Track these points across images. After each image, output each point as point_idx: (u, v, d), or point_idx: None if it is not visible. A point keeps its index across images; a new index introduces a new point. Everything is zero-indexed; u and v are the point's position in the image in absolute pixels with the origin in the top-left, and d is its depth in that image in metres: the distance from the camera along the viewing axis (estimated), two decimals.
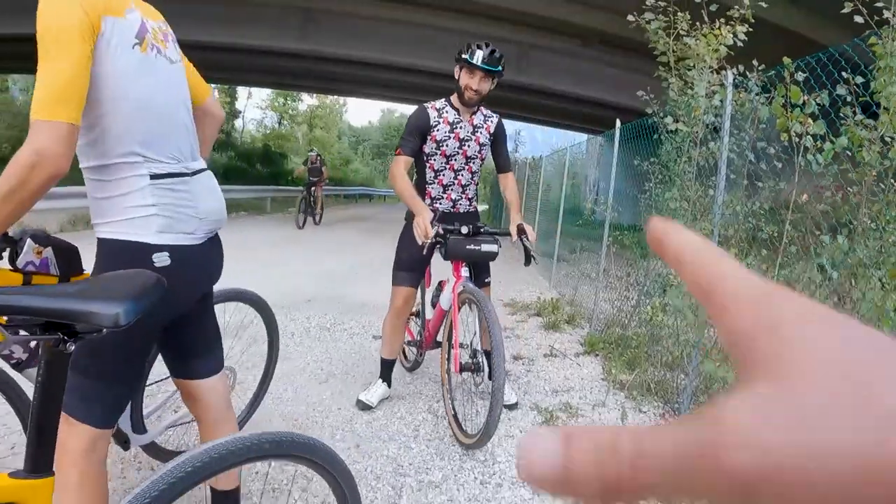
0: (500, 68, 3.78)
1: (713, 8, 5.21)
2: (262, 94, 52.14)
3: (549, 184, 12.10)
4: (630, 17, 5.76)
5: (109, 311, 1.19)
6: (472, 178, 4.07)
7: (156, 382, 2.89)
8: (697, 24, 5.35)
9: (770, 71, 3.94)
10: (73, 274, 2.11)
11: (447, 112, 3.93)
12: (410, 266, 4.01)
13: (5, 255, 1.96)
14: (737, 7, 5.11)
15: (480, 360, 3.57)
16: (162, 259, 1.93)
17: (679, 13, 5.53)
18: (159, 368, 2.53)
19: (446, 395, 3.76)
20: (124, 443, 2.48)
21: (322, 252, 11.18)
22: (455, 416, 3.66)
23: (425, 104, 3.97)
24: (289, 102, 51.10)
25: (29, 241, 2.01)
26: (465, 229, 3.69)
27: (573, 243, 10.16)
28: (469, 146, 3.97)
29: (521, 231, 3.83)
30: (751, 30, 5.11)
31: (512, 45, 17.58)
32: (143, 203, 1.89)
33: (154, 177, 1.91)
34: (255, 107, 53.82)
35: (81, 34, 1.69)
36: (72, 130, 1.64)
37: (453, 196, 4.05)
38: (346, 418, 3.79)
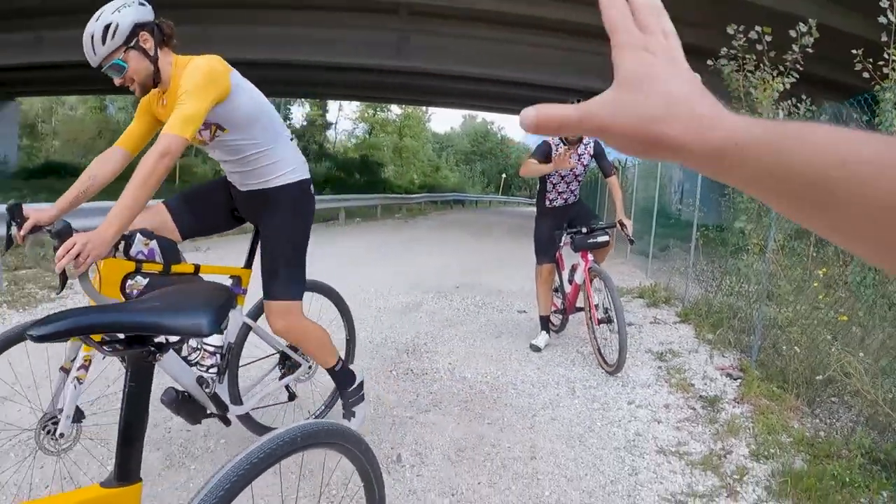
0: None
1: (772, 53, 6.85)
2: (352, 107, 54.18)
3: (634, 186, 13.43)
4: (709, 62, 7.43)
5: (196, 321, 1.30)
6: (577, 182, 5.83)
7: (251, 363, 3.52)
8: (762, 63, 6.97)
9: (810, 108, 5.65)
10: (174, 262, 2.73)
11: (559, 146, 5.59)
12: (546, 249, 5.78)
13: (121, 247, 2.54)
14: (793, 49, 6.73)
15: (611, 314, 5.24)
16: (310, 186, 3.13)
17: (747, 56, 7.16)
18: (252, 351, 3.45)
19: (592, 339, 5.58)
20: (224, 417, 2.94)
21: (445, 250, 13.11)
22: (599, 351, 5.43)
23: (547, 141, 5.66)
24: (378, 113, 53.11)
25: (138, 235, 2.59)
26: (584, 229, 5.51)
27: (663, 241, 11.76)
28: (577, 169, 5.71)
29: (622, 224, 5.42)
30: (797, 74, 6.70)
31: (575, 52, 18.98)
32: (298, 156, 3.08)
33: (292, 139, 3.09)
34: (345, 118, 55.71)
35: (218, 88, 2.61)
36: (186, 144, 2.47)
37: (564, 196, 5.84)
38: (524, 356, 5.64)
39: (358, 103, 51.12)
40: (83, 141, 39.71)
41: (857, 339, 4.53)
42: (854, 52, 5.40)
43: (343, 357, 3.42)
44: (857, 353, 4.05)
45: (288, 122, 51.67)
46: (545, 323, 6.02)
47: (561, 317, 6.20)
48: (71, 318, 1.20)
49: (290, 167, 2.99)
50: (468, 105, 38.13)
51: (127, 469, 1.30)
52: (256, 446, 1.40)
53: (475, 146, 65.43)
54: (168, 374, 2.60)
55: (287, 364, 3.48)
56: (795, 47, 6.60)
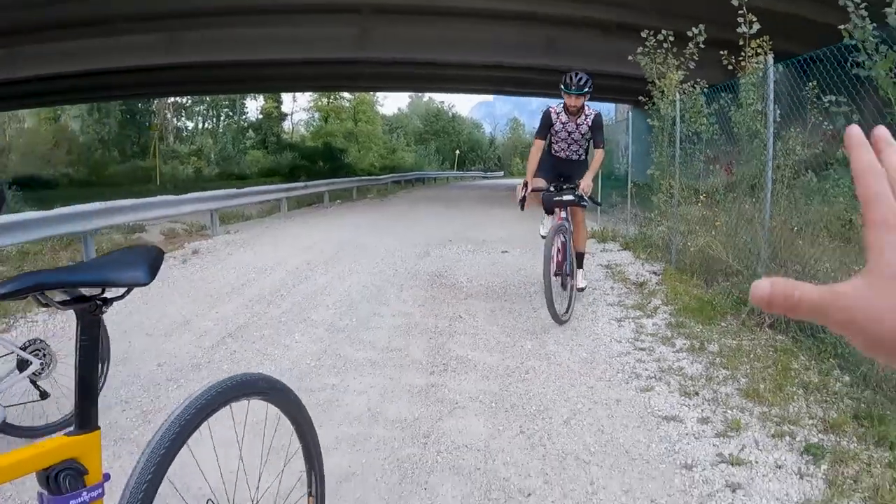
0: (585, 90, 5.91)
1: (674, 49, 9.40)
2: (306, 97, 55.92)
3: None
4: (629, 57, 9.96)
5: (135, 273, 1.42)
6: (577, 145, 6.33)
7: None
8: (666, 58, 9.50)
9: (701, 89, 8.24)
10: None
11: (562, 116, 6.11)
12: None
13: None
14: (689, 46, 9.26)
15: (566, 269, 5.93)
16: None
17: (660, 49, 9.68)
18: None
19: (546, 287, 5.48)
20: None
21: (428, 218, 15.59)
22: (552, 302, 5.46)
23: (550, 108, 6.25)
24: (332, 102, 54.84)
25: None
26: (551, 188, 5.99)
27: (610, 195, 14.44)
28: (575, 135, 6.21)
29: (576, 185, 5.94)
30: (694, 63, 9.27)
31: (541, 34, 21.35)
32: None
33: None
34: (300, 109, 57.60)
35: None
36: None
37: (567, 151, 6.35)
38: (515, 271, 8.13)
39: (311, 93, 52.91)
40: (42, 152, 40.12)
41: (723, 232, 7.16)
42: (721, 52, 7.97)
43: None
44: (720, 239, 6.73)
45: (244, 115, 53.52)
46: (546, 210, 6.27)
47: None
48: (27, 278, 1.33)
49: None
50: (427, 88, 40.73)
51: (87, 417, 1.38)
52: (187, 403, 1.51)
53: (428, 126, 67.76)
54: None
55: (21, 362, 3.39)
56: (691, 44, 9.18)
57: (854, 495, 2.81)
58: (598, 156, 6.23)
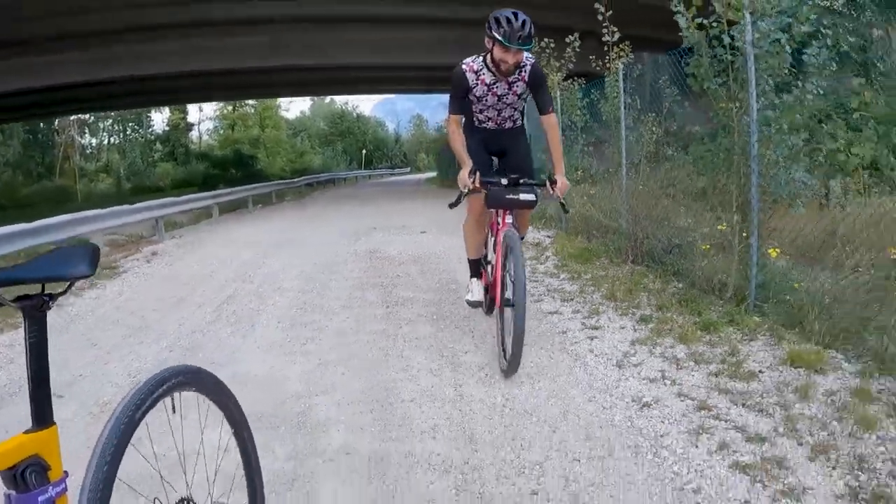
0: (532, 44, 4.05)
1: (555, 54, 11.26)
2: (211, 106, 56.21)
3: None
4: None
5: (79, 267, 1.43)
6: (511, 109, 4.58)
7: None
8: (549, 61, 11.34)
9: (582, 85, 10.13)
10: None
11: (484, 74, 4.28)
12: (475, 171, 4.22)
13: None
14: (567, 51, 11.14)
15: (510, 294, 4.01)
16: None
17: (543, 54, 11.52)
18: None
19: (498, 328, 4.33)
20: None
21: (349, 214, 17.12)
22: (502, 339, 4.20)
23: (463, 65, 4.34)
24: (238, 109, 55.40)
25: None
26: (504, 181, 4.17)
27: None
28: (507, 98, 4.43)
29: (552, 183, 4.21)
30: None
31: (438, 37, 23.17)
32: None
33: None
34: (206, 118, 57.80)
35: None
36: None
37: (498, 120, 4.61)
38: (433, 243, 9.81)
39: (215, 103, 53.37)
40: None
41: (597, 199, 9.06)
42: (591, 57, 9.87)
43: None
44: (596, 206, 8.62)
45: (150, 128, 53.47)
46: (475, 268, 4.92)
47: (486, 294, 4.90)
48: None
49: None
50: (340, 91, 42.75)
51: (44, 413, 1.39)
52: (128, 399, 1.52)
53: (333, 127, 68.98)
54: None
55: None
56: (569, 49, 11.06)
57: (668, 336, 4.66)
58: (553, 126, 4.52)
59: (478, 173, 4.20)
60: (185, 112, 54.05)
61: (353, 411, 3.75)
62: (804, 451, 3.01)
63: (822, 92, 6.10)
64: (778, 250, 5.09)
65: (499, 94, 4.44)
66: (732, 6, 5.71)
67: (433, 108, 73.61)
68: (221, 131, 56.63)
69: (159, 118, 54.72)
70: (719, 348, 4.39)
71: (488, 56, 4.23)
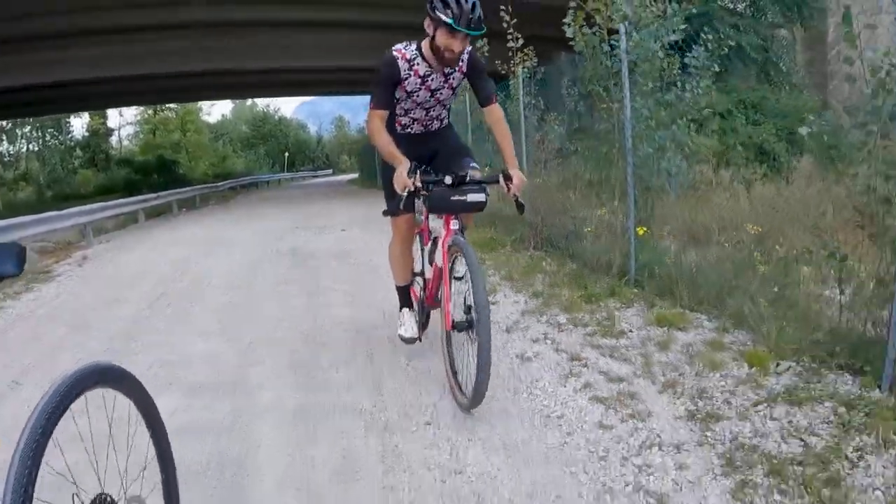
0: (483, 29, 3.48)
1: None
2: (132, 111, 55.03)
3: None
4: None
5: (5, 266, 1.45)
6: (441, 108, 4.08)
7: None
8: None
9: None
10: None
11: (418, 65, 3.73)
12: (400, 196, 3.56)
13: None
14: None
15: (475, 316, 3.40)
16: None
17: None
18: None
19: (445, 354, 3.78)
20: None
21: (274, 216, 17.49)
22: (452, 369, 3.72)
23: (394, 52, 3.74)
24: (159, 113, 54.46)
25: None
26: (448, 179, 3.57)
27: None
28: (441, 93, 3.91)
29: (507, 179, 3.68)
30: None
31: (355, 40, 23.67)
32: None
33: None
34: (126, 123, 56.45)
35: None
36: None
37: (425, 121, 4.07)
38: (352, 237, 10.34)
39: (135, 108, 52.50)
40: None
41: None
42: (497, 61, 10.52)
43: None
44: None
45: (69, 134, 52.12)
46: (404, 297, 4.45)
47: (420, 311, 4.43)
48: None
49: None
50: (262, 93, 45.01)
51: None
52: (48, 397, 1.50)
53: (255, 130, 68.44)
54: None
55: None
56: (477, 52, 11.64)
57: (555, 307, 5.35)
58: (498, 118, 4.00)
59: (419, 172, 3.64)
60: (104, 117, 52.79)
61: (280, 377, 4.31)
62: (656, 387, 3.73)
63: (700, 92, 6.93)
64: (644, 229, 5.84)
65: (433, 88, 3.87)
66: (613, 18, 6.47)
67: (355, 110, 73.82)
68: (142, 136, 55.50)
69: (79, 123, 53.34)
70: (598, 315, 5.09)
71: (425, 43, 3.68)
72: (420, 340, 4.35)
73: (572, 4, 6.72)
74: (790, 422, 3.19)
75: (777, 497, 2.63)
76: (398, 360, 4.42)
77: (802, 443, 3.00)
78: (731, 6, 22.58)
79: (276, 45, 23.46)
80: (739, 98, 17.69)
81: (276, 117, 71.94)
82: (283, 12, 21.37)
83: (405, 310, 4.39)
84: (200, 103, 56.99)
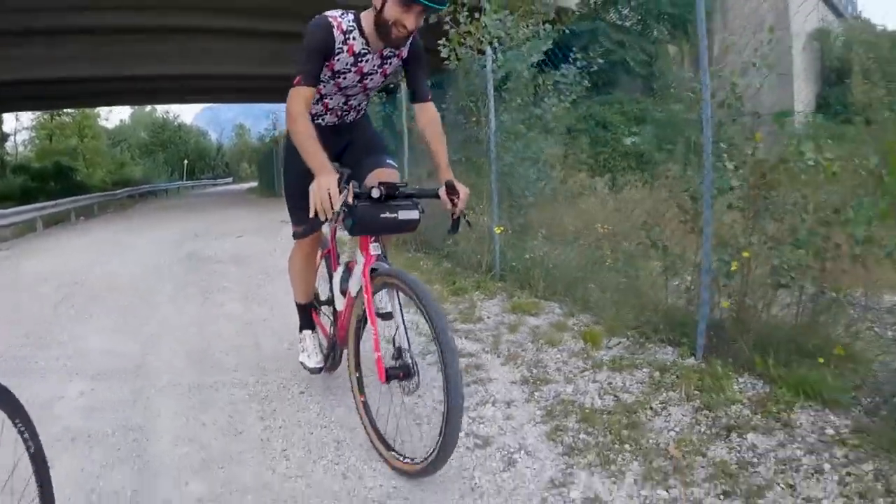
0: (447, 4, 2.86)
1: None
2: (27, 116, 53.08)
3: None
4: None
5: None
6: (366, 97, 3.43)
7: None
8: None
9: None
10: None
11: (354, 39, 2.98)
12: (304, 205, 2.75)
13: None
14: None
15: (410, 361, 2.88)
16: None
17: None
18: None
19: (363, 411, 3.19)
20: None
21: (176, 223, 17.65)
22: (380, 436, 3.09)
23: (329, 18, 2.95)
24: (55, 119, 52.89)
25: None
26: (376, 192, 2.84)
27: None
28: (372, 79, 3.20)
29: (452, 192, 2.94)
30: None
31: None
32: None
33: None
34: (22, 128, 54.10)
35: None
36: None
37: (342, 111, 3.39)
38: (249, 245, 10.80)
39: (31, 113, 50.79)
40: None
41: None
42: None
43: None
44: None
45: None
46: (305, 318, 3.92)
47: (328, 350, 3.89)
48: None
49: None
50: (160, 100, 43.72)
51: None
52: None
53: (154, 137, 67.08)
54: None
55: None
56: None
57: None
58: (433, 117, 3.30)
59: (352, 184, 2.79)
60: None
61: (178, 361, 4.84)
62: (499, 360, 4.47)
63: (568, 105, 7.75)
64: (502, 227, 6.59)
65: (364, 71, 3.13)
66: (482, 41, 7.23)
67: (255, 117, 73.21)
68: (38, 142, 53.71)
69: None
70: (461, 305, 5.82)
71: (367, 14, 2.97)
72: (328, 372, 3.99)
73: (446, 28, 7.45)
74: (610, 384, 3.95)
75: (583, 436, 3.35)
76: (281, 346, 5.02)
77: (616, 398, 3.76)
78: (620, 23, 23.97)
79: (176, 52, 23.51)
80: (622, 110, 18.93)
81: (176, 124, 70.74)
82: (182, 19, 21.49)
83: (306, 332, 3.86)
84: (98, 109, 55.66)
